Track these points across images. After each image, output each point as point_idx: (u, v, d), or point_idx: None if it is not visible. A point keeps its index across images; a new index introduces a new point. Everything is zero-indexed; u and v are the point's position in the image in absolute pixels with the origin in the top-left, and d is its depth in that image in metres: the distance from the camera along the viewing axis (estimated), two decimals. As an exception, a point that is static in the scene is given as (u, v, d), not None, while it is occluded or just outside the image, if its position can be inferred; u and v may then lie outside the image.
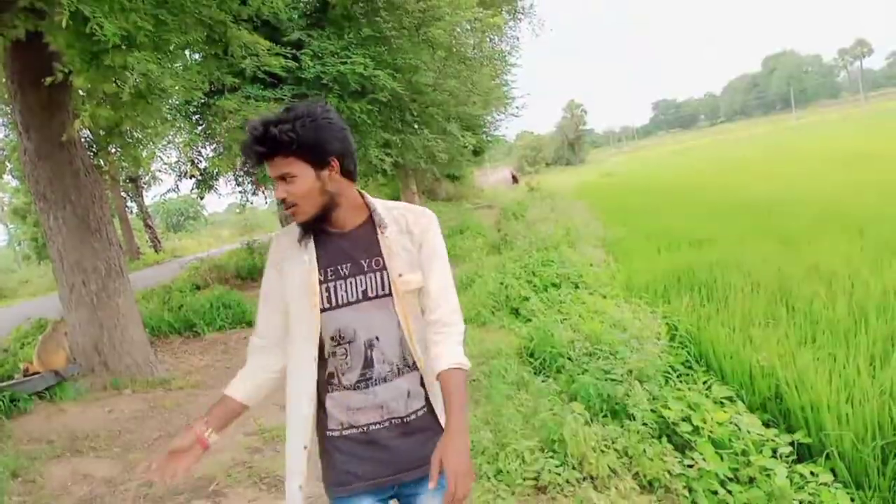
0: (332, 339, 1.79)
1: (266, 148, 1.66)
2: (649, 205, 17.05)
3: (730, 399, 4.56)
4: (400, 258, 1.78)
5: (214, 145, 9.75)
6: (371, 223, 1.82)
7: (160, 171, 22.37)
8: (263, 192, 11.75)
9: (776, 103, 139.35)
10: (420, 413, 1.83)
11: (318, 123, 1.68)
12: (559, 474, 3.57)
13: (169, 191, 10.67)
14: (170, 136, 10.35)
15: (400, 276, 1.77)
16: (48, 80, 5.20)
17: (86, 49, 4.84)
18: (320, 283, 1.78)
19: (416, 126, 11.68)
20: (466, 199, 34.19)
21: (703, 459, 3.73)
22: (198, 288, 11.91)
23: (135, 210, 30.72)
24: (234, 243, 28.75)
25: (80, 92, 6.87)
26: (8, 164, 17.76)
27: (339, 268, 1.78)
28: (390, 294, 1.78)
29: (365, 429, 1.80)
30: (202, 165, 9.80)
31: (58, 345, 6.07)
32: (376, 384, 1.79)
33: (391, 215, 1.83)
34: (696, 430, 4.05)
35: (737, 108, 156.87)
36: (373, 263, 1.78)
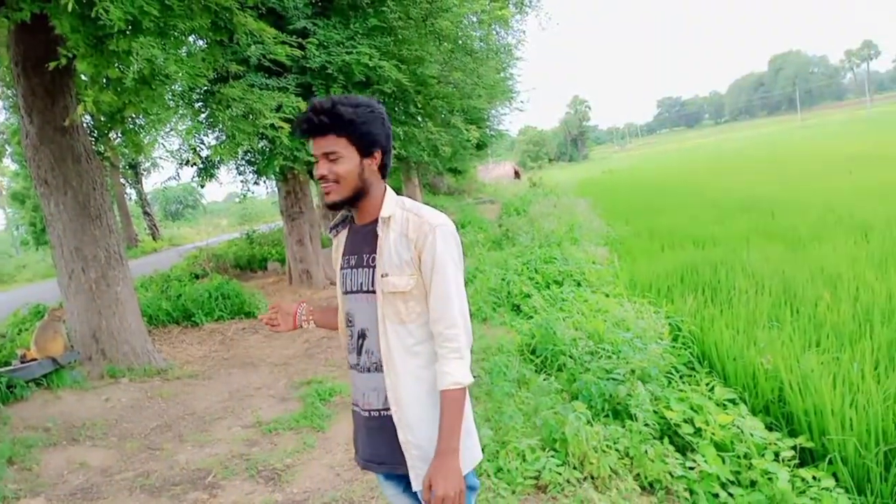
0: (345, 319, 1.96)
1: (329, 120, 1.75)
2: (652, 203, 17.00)
3: (732, 401, 4.52)
4: (389, 259, 1.81)
5: (217, 133, 9.67)
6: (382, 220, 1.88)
7: (161, 158, 22.41)
8: (265, 183, 11.67)
9: (781, 104, 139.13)
10: (388, 413, 1.86)
11: (375, 115, 1.81)
12: (560, 474, 3.55)
13: (170, 178, 10.58)
14: (172, 124, 10.25)
15: (384, 276, 1.81)
16: (52, 64, 5.15)
17: (90, 33, 4.79)
18: (341, 268, 1.96)
19: (419, 118, 11.59)
20: (468, 194, 34.22)
21: (705, 461, 3.70)
22: (196, 277, 11.88)
23: (133, 197, 30.70)
24: (232, 233, 28.78)
25: (84, 77, 6.82)
26: (8, 147, 17.74)
27: (350, 258, 1.93)
28: (375, 292, 1.84)
29: (358, 410, 1.95)
30: (204, 153, 9.70)
31: (55, 332, 6.02)
32: (362, 372, 1.90)
33: (401, 216, 1.85)
34: (698, 431, 4.03)
35: (742, 108, 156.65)
36: (370, 260, 1.86)
